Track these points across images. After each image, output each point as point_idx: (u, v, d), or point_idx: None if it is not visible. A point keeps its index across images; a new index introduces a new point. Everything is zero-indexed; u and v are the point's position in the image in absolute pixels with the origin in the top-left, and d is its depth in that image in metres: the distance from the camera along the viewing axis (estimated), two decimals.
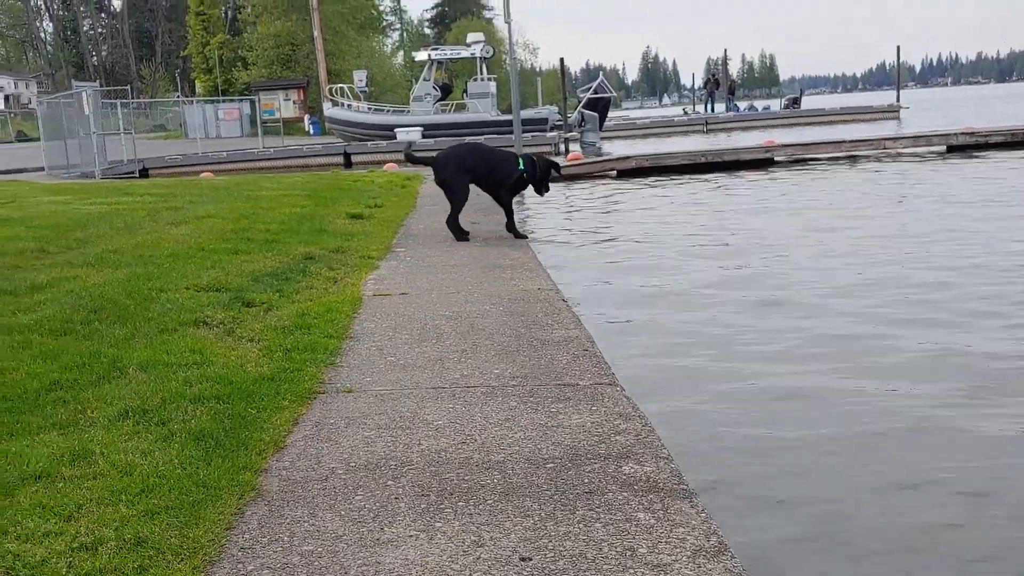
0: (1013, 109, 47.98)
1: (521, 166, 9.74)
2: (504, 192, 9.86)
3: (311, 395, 4.25)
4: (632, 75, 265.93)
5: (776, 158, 21.19)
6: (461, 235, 9.54)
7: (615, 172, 20.93)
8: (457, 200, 9.66)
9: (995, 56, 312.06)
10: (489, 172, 9.75)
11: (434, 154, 9.99)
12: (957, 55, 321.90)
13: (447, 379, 4.46)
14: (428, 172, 20.63)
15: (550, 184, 10.22)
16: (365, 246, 8.88)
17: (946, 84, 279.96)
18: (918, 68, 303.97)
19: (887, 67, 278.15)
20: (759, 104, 56.48)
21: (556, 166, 10.38)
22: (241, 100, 50.82)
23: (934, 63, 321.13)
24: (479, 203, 13.35)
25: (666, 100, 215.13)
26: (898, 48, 51.99)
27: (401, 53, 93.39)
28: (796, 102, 50.50)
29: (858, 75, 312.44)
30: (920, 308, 7.14)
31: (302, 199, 13.42)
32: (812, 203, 14.12)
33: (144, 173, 26.46)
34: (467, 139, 33.64)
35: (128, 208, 12.35)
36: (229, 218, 10.91)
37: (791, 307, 7.40)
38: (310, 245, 8.72)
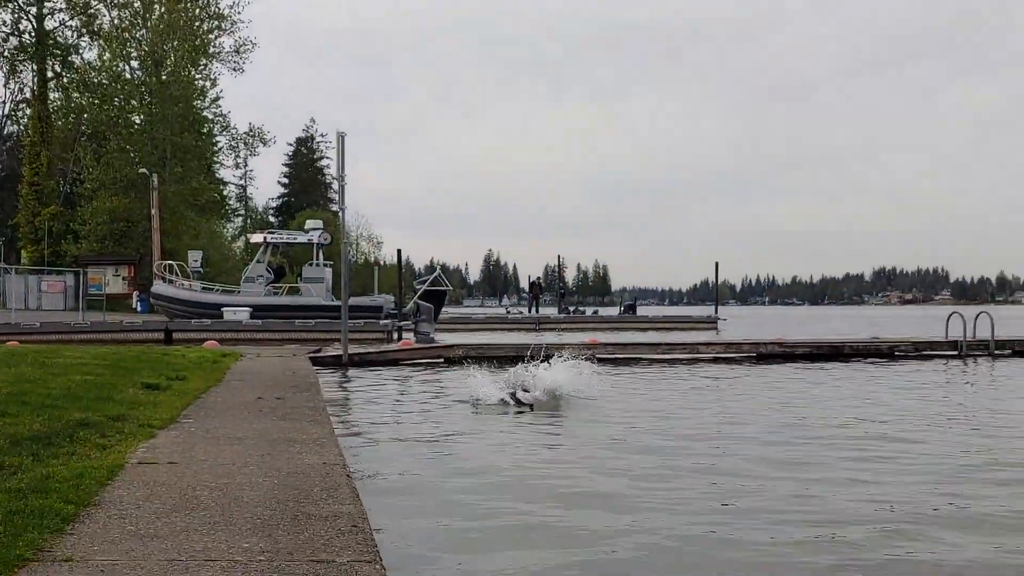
0: (821, 327, 51.10)
1: None
2: None
3: (19, 563, 3.67)
4: (475, 275, 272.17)
5: (598, 356, 21.54)
6: None
7: (443, 359, 20.85)
8: None
9: (808, 280, 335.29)
10: None
11: None
12: (774, 277, 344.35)
13: (185, 551, 3.95)
14: (248, 350, 20.09)
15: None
16: (149, 415, 8.24)
17: (763, 303, 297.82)
18: (739, 287, 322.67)
19: (709, 284, 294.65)
20: (588, 309, 58.59)
21: None
22: (67, 272, 49.01)
23: (753, 283, 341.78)
24: (291, 380, 12.88)
25: (505, 300, 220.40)
26: (716, 265, 55.44)
27: (243, 239, 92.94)
28: (632, 308, 52.92)
29: (683, 290, 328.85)
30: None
31: (99, 368, 12.61)
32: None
33: None
34: (297, 321, 33.23)
35: None
36: (8, 382, 10.06)
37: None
38: (89, 412, 8.04)
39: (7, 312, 38.01)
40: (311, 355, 19.28)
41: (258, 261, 38.20)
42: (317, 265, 37.88)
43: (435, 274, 38.24)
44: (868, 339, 26.24)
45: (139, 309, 48.26)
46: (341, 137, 20.26)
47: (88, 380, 10.87)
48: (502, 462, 8.54)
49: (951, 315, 24.98)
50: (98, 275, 49.01)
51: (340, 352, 19.65)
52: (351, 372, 18.17)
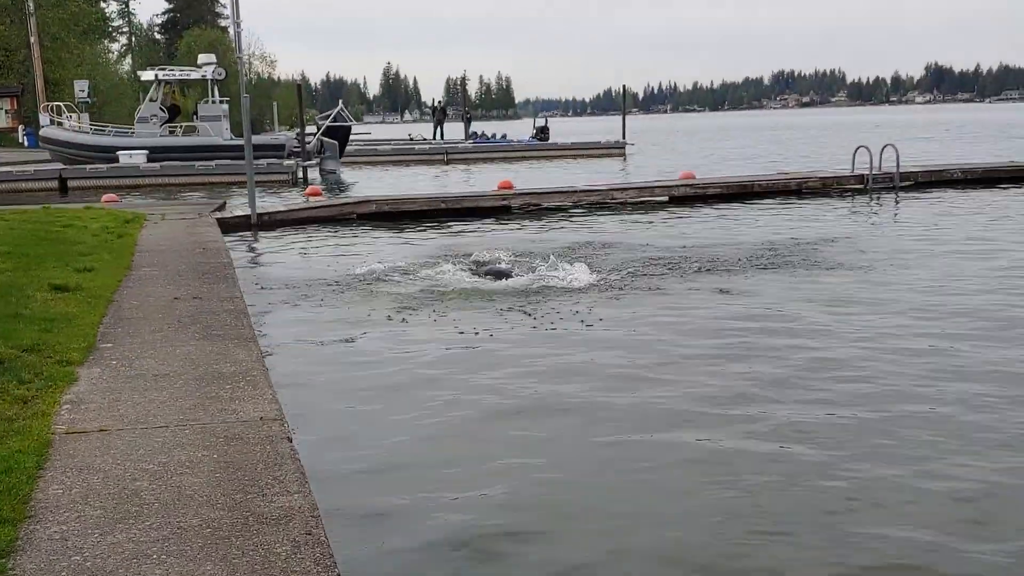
0: (727, 147, 51.54)
1: None
2: None
3: None
4: (374, 90, 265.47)
5: (512, 205, 21.44)
6: None
7: (355, 215, 20.50)
8: None
9: (708, 86, 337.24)
10: None
11: None
12: (675, 84, 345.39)
13: None
14: (152, 212, 19.39)
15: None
16: (66, 341, 7.86)
17: (666, 111, 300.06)
18: (641, 95, 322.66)
19: (613, 93, 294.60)
20: (497, 133, 57.71)
21: None
22: None
23: (655, 91, 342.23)
24: (203, 261, 12.49)
25: (408, 116, 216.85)
26: (624, 87, 55.39)
27: (129, 59, 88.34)
28: (544, 132, 51.98)
29: (587, 100, 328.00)
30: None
31: (1, 257, 12.00)
32: None
33: None
34: (197, 164, 32.08)
35: None
36: None
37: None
38: (2, 339, 7.64)
39: None
40: (217, 217, 18.70)
41: (151, 100, 36.34)
42: (213, 102, 36.26)
43: (338, 109, 36.96)
44: (776, 175, 26.63)
45: (26, 144, 46.09)
46: None
47: None
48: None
49: (857, 149, 25.34)
50: None
51: (248, 213, 19.08)
52: (262, 240, 17.69)
